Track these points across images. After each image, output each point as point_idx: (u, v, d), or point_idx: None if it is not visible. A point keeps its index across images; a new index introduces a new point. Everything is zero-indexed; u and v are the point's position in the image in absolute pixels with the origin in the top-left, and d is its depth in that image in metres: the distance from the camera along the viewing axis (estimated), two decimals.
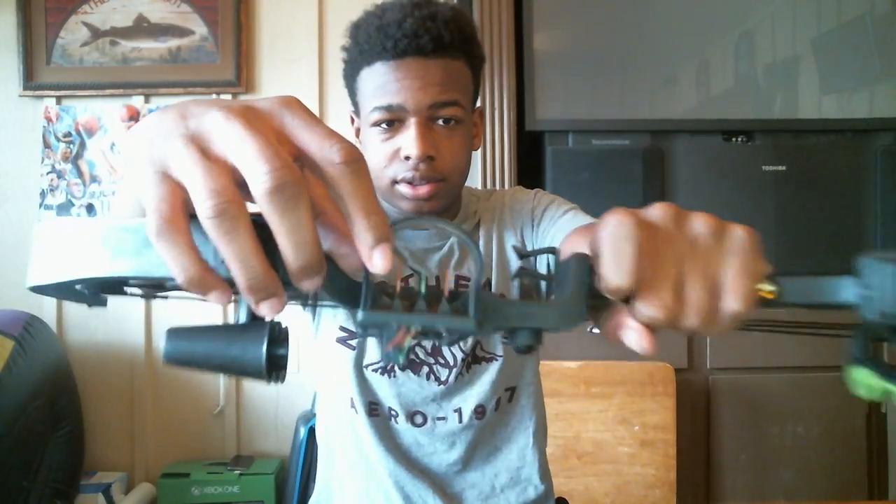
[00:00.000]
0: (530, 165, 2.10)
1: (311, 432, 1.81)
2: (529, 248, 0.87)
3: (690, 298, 0.40)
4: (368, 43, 0.87)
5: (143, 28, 2.22)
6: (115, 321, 2.21)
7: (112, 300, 0.44)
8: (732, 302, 0.40)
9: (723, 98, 2.11)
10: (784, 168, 2.05)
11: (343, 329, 0.95)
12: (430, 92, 0.85)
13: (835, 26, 2.09)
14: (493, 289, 0.97)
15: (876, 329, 0.42)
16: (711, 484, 1.92)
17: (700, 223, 0.43)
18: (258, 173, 0.33)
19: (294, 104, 0.37)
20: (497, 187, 2.03)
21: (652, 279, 0.40)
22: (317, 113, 2.23)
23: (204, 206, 0.33)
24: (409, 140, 0.85)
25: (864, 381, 0.44)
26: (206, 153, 0.35)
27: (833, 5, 2.09)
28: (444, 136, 0.87)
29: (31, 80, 2.20)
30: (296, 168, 0.34)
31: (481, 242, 0.98)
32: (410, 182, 0.87)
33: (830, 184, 2.07)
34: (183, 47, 2.22)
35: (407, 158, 0.86)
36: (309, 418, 1.90)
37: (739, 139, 2.07)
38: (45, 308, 2.17)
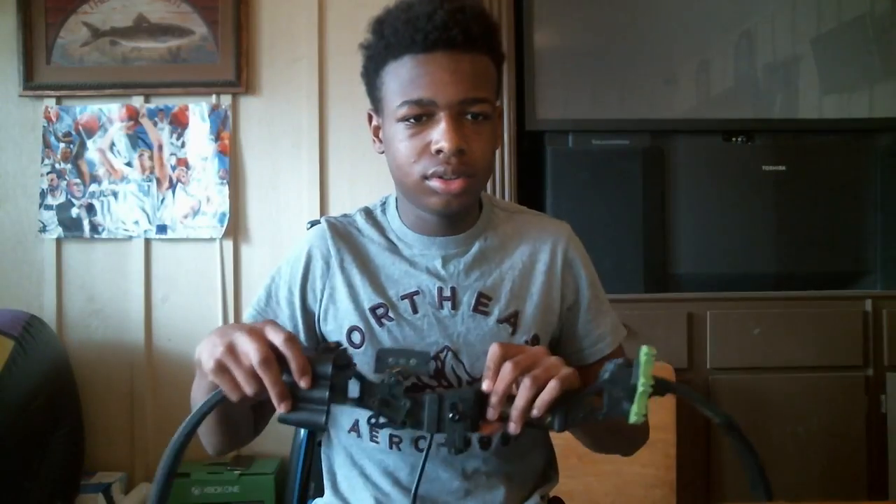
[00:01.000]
0: (530, 165, 2.10)
1: (311, 432, 1.81)
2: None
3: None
4: (395, 36, 0.85)
5: (143, 28, 2.22)
6: (115, 321, 2.21)
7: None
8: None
9: (723, 98, 2.11)
10: (784, 168, 2.05)
11: None
12: (462, 87, 0.84)
13: (835, 26, 2.09)
14: (524, 322, 0.94)
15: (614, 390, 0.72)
16: (711, 484, 1.92)
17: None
18: (254, 361, 0.70)
19: (266, 327, 0.72)
20: (497, 187, 2.02)
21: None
22: (317, 112, 2.24)
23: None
24: (440, 133, 0.84)
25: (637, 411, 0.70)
26: (234, 352, 0.70)
27: (833, 5, 2.09)
28: (474, 132, 0.86)
29: (31, 80, 2.19)
30: (271, 355, 0.70)
31: (507, 264, 0.96)
32: (441, 176, 0.85)
33: (830, 184, 2.07)
34: (183, 47, 2.22)
35: (438, 152, 0.84)
36: None
37: (739, 139, 2.07)
38: (45, 308, 2.17)
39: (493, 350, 0.74)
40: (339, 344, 0.77)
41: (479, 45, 0.86)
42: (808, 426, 1.93)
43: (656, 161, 2.03)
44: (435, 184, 0.86)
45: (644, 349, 0.70)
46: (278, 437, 1.95)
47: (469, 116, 0.85)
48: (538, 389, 0.72)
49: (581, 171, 2.01)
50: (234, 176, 2.22)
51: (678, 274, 2.03)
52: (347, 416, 0.95)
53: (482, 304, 0.93)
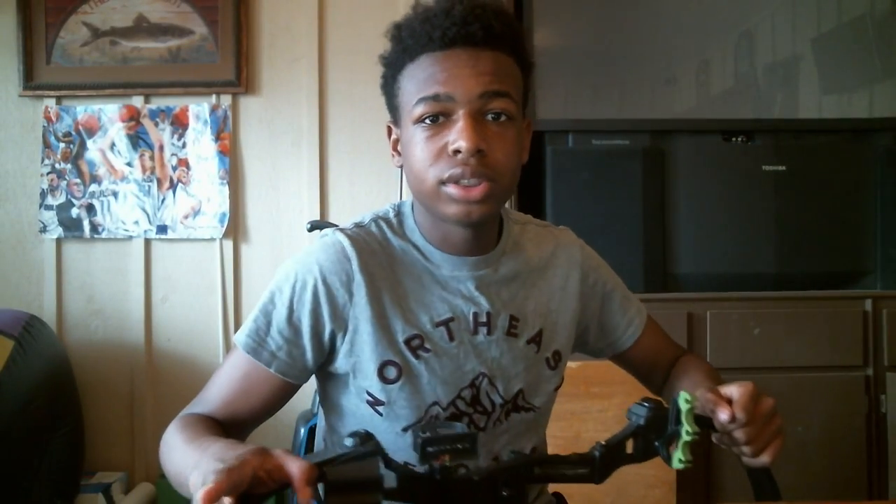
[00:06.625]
0: (530, 165, 2.09)
1: (311, 432, 1.81)
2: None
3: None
4: (413, 37, 0.82)
5: (143, 28, 2.22)
6: (115, 321, 2.21)
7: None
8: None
9: (723, 98, 2.11)
10: (784, 168, 2.05)
11: (369, 394, 0.88)
12: (481, 81, 0.79)
13: (835, 26, 2.09)
14: (546, 340, 0.93)
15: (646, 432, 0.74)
16: (711, 484, 1.91)
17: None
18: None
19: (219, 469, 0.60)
20: None
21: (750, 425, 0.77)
22: (317, 112, 2.23)
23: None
24: (458, 132, 0.79)
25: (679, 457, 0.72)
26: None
27: (833, 5, 2.09)
28: (495, 132, 0.81)
29: (31, 80, 2.20)
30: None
31: (531, 281, 0.93)
32: (458, 181, 0.80)
33: (830, 184, 2.07)
34: (183, 47, 2.22)
35: (456, 153, 0.79)
36: (309, 418, 1.90)
37: (739, 139, 2.07)
38: (45, 308, 2.17)
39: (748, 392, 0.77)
40: (369, 435, 0.64)
41: (502, 43, 0.82)
42: (808, 426, 1.92)
43: (656, 161, 2.03)
44: (452, 190, 0.80)
45: (684, 395, 0.72)
46: (277, 438, 1.95)
47: (490, 117, 0.81)
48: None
49: (581, 171, 2.01)
50: (234, 176, 2.22)
51: (678, 274, 2.03)
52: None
53: (514, 326, 0.91)
